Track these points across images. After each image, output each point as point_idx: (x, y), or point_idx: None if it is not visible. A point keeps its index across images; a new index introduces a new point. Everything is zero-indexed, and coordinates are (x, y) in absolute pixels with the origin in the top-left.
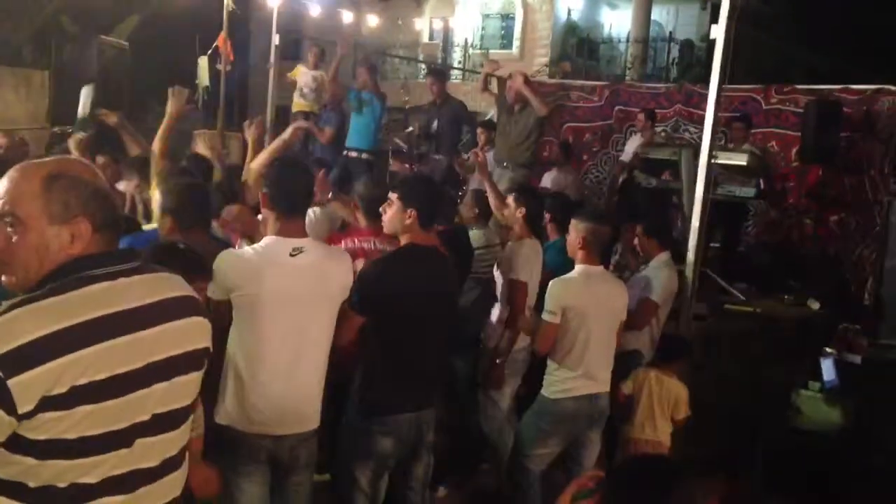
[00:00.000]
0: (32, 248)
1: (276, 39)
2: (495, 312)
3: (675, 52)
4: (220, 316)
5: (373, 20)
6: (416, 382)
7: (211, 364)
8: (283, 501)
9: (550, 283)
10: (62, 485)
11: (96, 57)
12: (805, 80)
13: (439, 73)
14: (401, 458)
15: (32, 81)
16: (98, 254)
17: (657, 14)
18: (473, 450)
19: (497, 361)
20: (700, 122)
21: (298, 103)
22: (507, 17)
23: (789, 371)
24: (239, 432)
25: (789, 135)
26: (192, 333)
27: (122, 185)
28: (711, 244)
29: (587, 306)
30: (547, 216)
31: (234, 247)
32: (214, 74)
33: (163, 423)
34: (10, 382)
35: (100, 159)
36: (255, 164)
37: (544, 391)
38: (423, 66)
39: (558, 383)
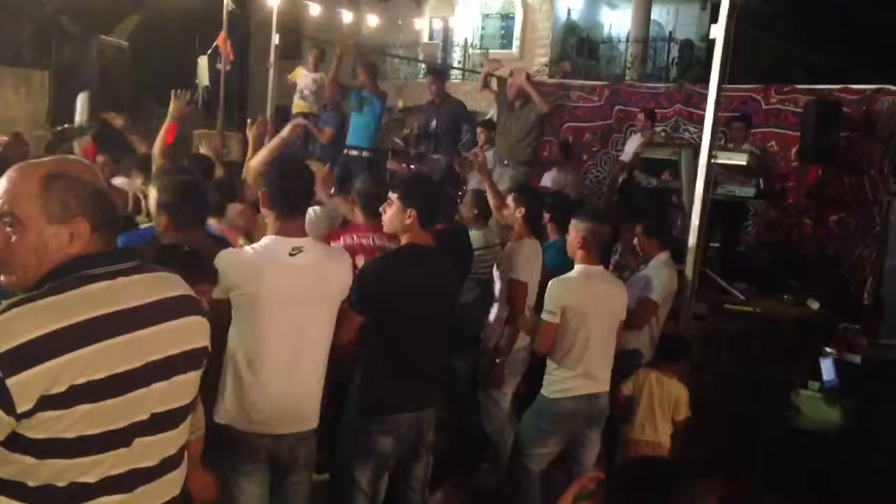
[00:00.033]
0: (31, 248)
1: (275, 39)
2: (494, 312)
3: (674, 52)
4: (220, 315)
5: (373, 20)
6: (416, 382)
7: (210, 363)
8: (282, 501)
9: (550, 282)
10: (61, 484)
11: (96, 57)
12: (805, 80)
13: (438, 72)
14: (401, 457)
15: (32, 81)
16: (97, 253)
17: (657, 14)
18: (473, 450)
19: (497, 361)
20: (700, 121)
21: (298, 104)
22: (506, 17)
23: (789, 371)
24: (238, 431)
25: (789, 134)
26: (191, 333)
27: (118, 181)
28: (711, 244)
29: (587, 306)
30: (547, 216)
31: (231, 245)
32: (214, 74)
33: (162, 422)
34: (10, 382)
35: (100, 158)
36: (255, 161)
37: (544, 391)
38: (423, 65)
39: (558, 383)
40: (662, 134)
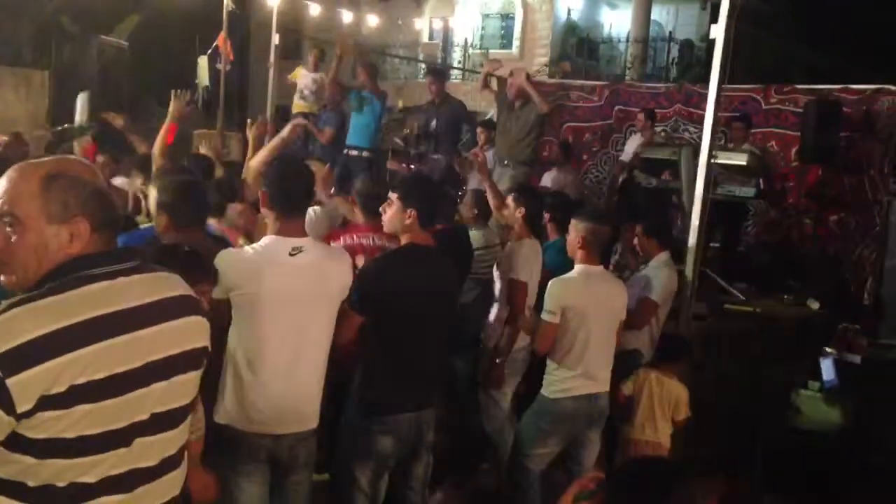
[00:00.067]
0: (31, 248)
1: (275, 39)
2: (494, 312)
3: (674, 52)
4: (220, 315)
5: (373, 20)
6: (416, 382)
7: (210, 363)
8: (282, 501)
9: (550, 282)
10: (61, 484)
11: (96, 57)
12: (805, 80)
13: (438, 72)
14: (401, 457)
15: (32, 81)
16: (97, 253)
17: (657, 14)
18: (473, 449)
19: (497, 361)
20: (700, 121)
21: (298, 105)
22: (506, 17)
23: (789, 371)
24: (238, 431)
25: (789, 134)
26: (191, 333)
27: (118, 181)
28: (711, 244)
29: (587, 306)
30: (546, 216)
31: (231, 245)
32: (214, 74)
33: (162, 422)
34: (9, 382)
35: (100, 158)
36: (255, 161)
37: (544, 391)
38: (423, 65)
39: (558, 383)
40: (662, 134)
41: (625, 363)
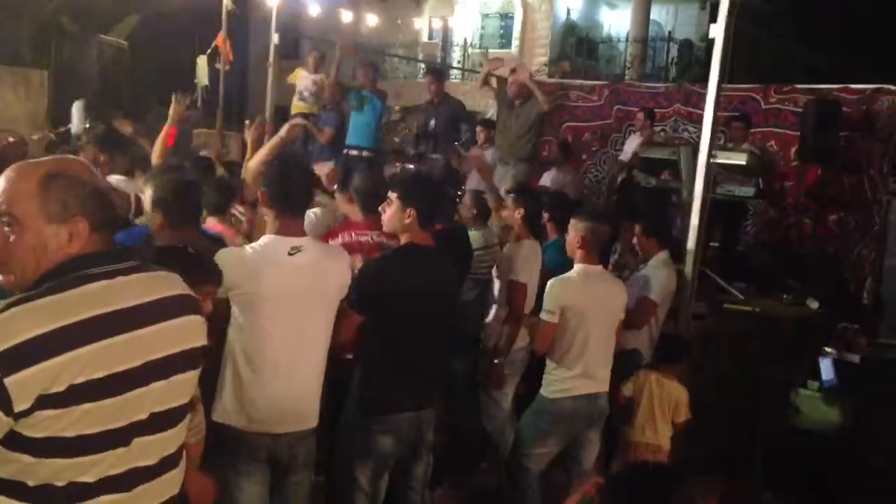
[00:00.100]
0: (30, 248)
1: (275, 39)
2: (493, 313)
3: (674, 52)
4: (220, 314)
5: (372, 19)
6: (416, 382)
7: (211, 363)
8: (282, 501)
9: (549, 282)
10: (61, 483)
11: (96, 56)
12: (805, 80)
13: (437, 72)
14: (401, 457)
15: (32, 81)
16: (96, 253)
17: (656, 13)
18: (472, 449)
19: (496, 362)
20: (699, 121)
21: (297, 105)
22: (506, 17)
23: (788, 370)
24: (237, 430)
25: (788, 134)
26: (190, 332)
27: (113, 179)
28: (710, 243)
29: (586, 306)
30: (546, 215)
31: (227, 245)
32: (213, 74)
33: (161, 421)
34: (7, 381)
35: (101, 157)
36: (254, 161)
37: (543, 390)
38: (423, 65)
39: (557, 383)
40: (662, 133)
41: (624, 363)
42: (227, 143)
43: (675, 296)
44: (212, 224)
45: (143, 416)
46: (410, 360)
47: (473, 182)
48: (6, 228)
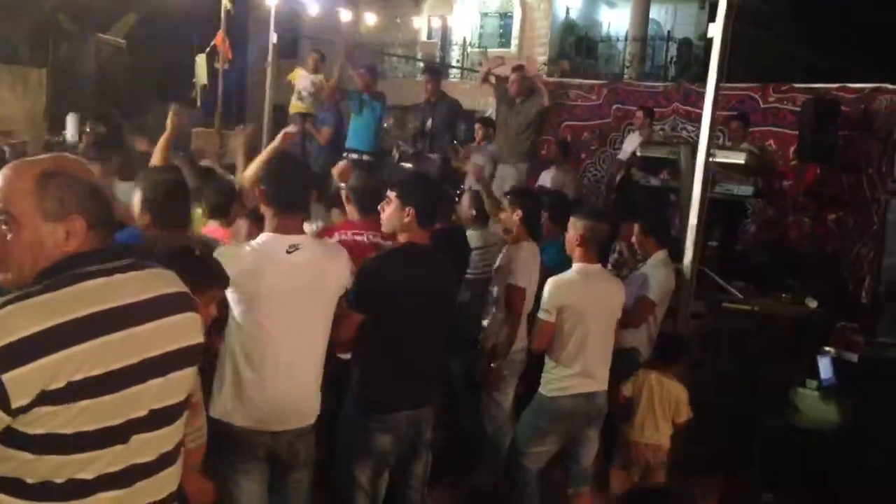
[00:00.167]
0: (27, 246)
1: (273, 38)
2: (491, 314)
3: (673, 51)
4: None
5: (371, 18)
6: (415, 381)
7: (210, 363)
8: (281, 499)
9: (548, 281)
10: (59, 480)
11: (94, 55)
12: (803, 79)
13: (434, 70)
14: (400, 456)
15: (30, 79)
16: (93, 251)
17: (655, 13)
18: (471, 448)
19: (493, 365)
20: (698, 120)
21: (296, 105)
22: (505, 16)
23: (787, 369)
24: (237, 429)
25: (787, 133)
26: (187, 329)
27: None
28: (709, 242)
29: (585, 305)
30: (545, 215)
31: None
32: (212, 73)
33: (159, 418)
34: (5, 377)
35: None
36: (250, 171)
37: (542, 389)
38: (422, 64)
39: (556, 381)
40: (661, 133)
41: (623, 361)
42: (226, 142)
43: (673, 295)
44: (212, 228)
45: (142, 413)
46: (409, 359)
47: (472, 181)
48: (3, 226)
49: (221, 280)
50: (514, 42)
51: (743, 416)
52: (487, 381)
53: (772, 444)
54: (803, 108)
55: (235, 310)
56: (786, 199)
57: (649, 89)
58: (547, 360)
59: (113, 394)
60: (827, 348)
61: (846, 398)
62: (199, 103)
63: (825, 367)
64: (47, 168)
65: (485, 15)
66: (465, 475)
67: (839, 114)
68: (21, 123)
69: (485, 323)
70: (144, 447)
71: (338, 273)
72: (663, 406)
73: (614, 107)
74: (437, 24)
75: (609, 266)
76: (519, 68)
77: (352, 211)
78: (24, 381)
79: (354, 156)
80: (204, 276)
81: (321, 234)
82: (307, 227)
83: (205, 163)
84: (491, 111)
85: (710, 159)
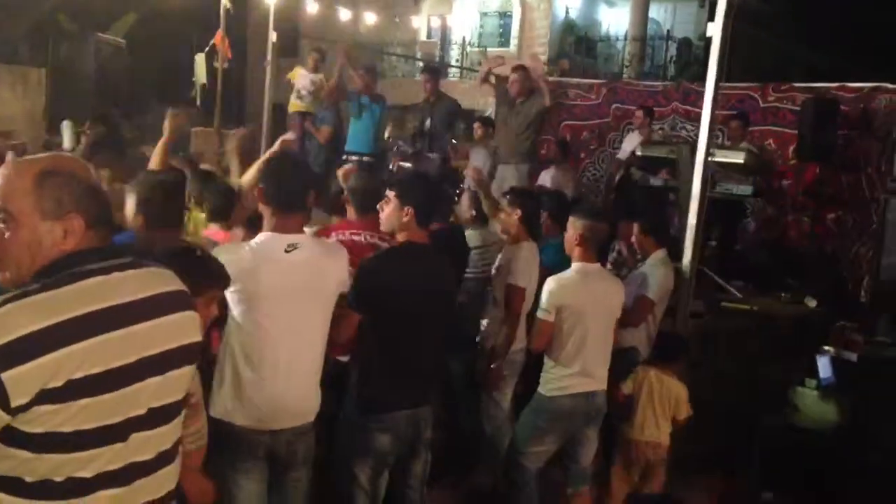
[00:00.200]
0: (24, 244)
1: (273, 37)
2: (490, 314)
3: (672, 51)
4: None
5: (370, 18)
6: (413, 380)
7: (209, 363)
8: (281, 498)
9: (547, 280)
10: (59, 479)
11: (93, 55)
12: (803, 79)
13: (433, 70)
14: (399, 455)
15: (29, 79)
16: (91, 249)
17: (655, 12)
18: (470, 448)
19: (492, 366)
20: (697, 120)
21: (295, 104)
22: (504, 16)
23: (786, 368)
24: (236, 427)
25: (787, 132)
26: (186, 328)
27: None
28: (709, 242)
29: (584, 304)
30: (544, 214)
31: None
32: (212, 72)
33: (157, 417)
34: (4, 376)
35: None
36: (246, 178)
37: (541, 389)
38: (421, 63)
39: (555, 381)
40: (660, 132)
41: (622, 361)
42: (225, 142)
43: (672, 294)
44: (213, 231)
45: (141, 411)
46: (407, 359)
47: (470, 180)
48: (1, 225)
49: (222, 280)
50: (514, 42)
51: (742, 415)
52: (487, 381)
53: (771, 443)
54: (803, 108)
55: (234, 309)
56: (785, 198)
57: (649, 89)
58: (546, 359)
59: (112, 392)
60: (826, 347)
61: (845, 397)
62: (198, 102)
63: (824, 366)
64: (45, 167)
65: (484, 14)
66: (464, 475)
67: (838, 113)
68: (20, 123)
69: (484, 323)
70: (143, 445)
71: (337, 272)
72: (663, 404)
73: (613, 106)
74: (436, 23)
75: (608, 265)
76: (520, 68)
77: (350, 211)
78: (23, 380)
79: (354, 158)
80: (204, 276)
81: (319, 235)
82: (306, 229)
83: (204, 166)
84: (490, 111)
85: (710, 159)
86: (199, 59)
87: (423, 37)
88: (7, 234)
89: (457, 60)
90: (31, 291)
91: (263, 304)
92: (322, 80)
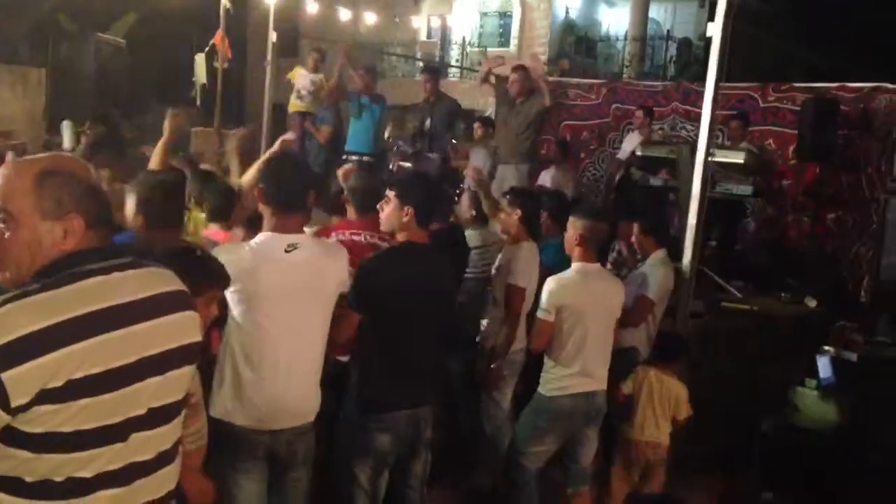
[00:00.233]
0: (24, 244)
1: (272, 37)
2: (491, 314)
3: (672, 51)
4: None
5: (370, 18)
6: (413, 380)
7: (209, 363)
8: (281, 498)
9: (547, 280)
10: (59, 479)
11: (93, 55)
12: (803, 78)
13: (433, 70)
14: (399, 455)
15: (29, 79)
16: (90, 249)
17: (655, 12)
18: (470, 448)
19: (493, 366)
20: (697, 120)
21: (295, 104)
22: (504, 15)
23: (786, 369)
24: (236, 427)
25: (786, 133)
26: (186, 327)
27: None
28: (709, 242)
29: (584, 304)
30: (544, 214)
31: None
32: (212, 72)
33: (157, 417)
34: (4, 376)
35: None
36: (246, 178)
37: (541, 389)
38: (421, 63)
39: (555, 381)
40: (660, 132)
41: (622, 361)
42: (225, 141)
43: (672, 294)
44: (213, 231)
45: (141, 411)
46: (407, 359)
47: (470, 180)
48: (1, 225)
49: (222, 280)
50: (514, 42)
51: (742, 415)
52: (487, 381)
53: (771, 443)
54: (803, 108)
55: (234, 309)
56: (785, 198)
57: (648, 88)
58: (546, 359)
59: (112, 392)
60: (826, 347)
61: (845, 397)
62: (198, 102)
63: (824, 366)
64: (45, 167)
65: (484, 14)
66: (464, 475)
67: (838, 113)
68: (20, 123)
69: (484, 323)
70: (143, 445)
71: (336, 272)
72: (663, 404)
73: (613, 106)
74: (436, 23)
75: (608, 265)
76: (520, 68)
77: (350, 211)
78: (23, 380)
79: (354, 158)
80: (204, 276)
81: (319, 235)
82: (306, 229)
83: (204, 166)
84: (490, 111)
85: (710, 159)
86: (199, 59)
87: (423, 37)
88: (7, 234)
89: (457, 60)
90: (31, 291)
91: (263, 304)
92: (322, 80)
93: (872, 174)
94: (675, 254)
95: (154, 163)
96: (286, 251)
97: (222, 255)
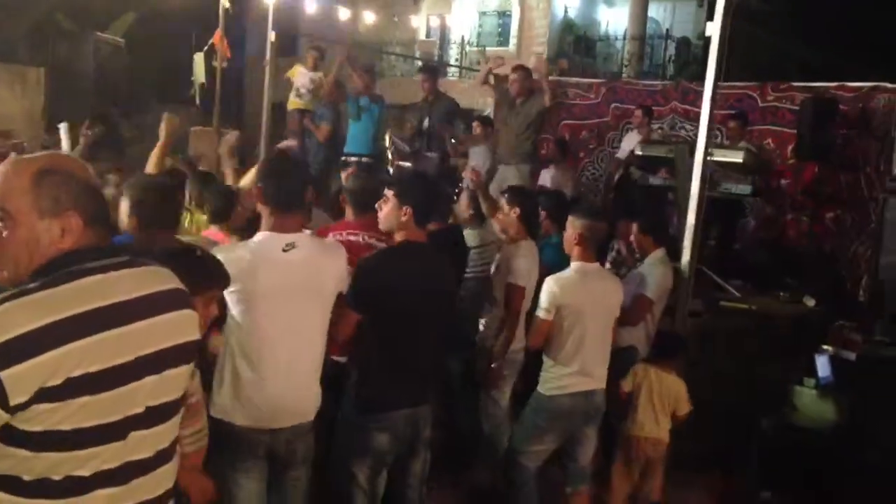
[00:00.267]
0: (22, 243)
1: (271, 36)
2: (490, 313)
3: (671, 50)
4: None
5: (369, 17)
6: (412, 379)
7: (209, 363)
8: (280, 497)
9: (546, 279)
10: (57, 477)
11: (92, 54)
12: (802, 78)
13: (431, 69)
14: (398, 454)
15: (28, 78)
16: (88, 248)
17: (654, 11)
18: (469, 447)
19: (492, 365)
20: (696, 119)
21: (294, 102)
22: (504, 15)
23: (784, 368)
24: (237, 427)
25: (785, 132)
26: (183, 326)
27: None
28: (707, 241)
29: (583, 304)
30: (543, 213)
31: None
32: (211, 72)
33: (155, 415)
34: (3, 375)
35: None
36: (245, 180)
37: (540, 388)
38: (420, 63)
39: (554, 380)
40: (659, 131)
41: (621, 360)
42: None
43: (671, 293)
44: (213, 232)
45: (139, 410)
46: (406, 358)
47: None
48: None
49: (221, 280)
50: (513, 41)
51: (741, 414)
52: (486, 381)
53: (769, 442)
54: (802, 107)
55: (233, 309)
56: (784, 197)
57: (648, 88)
58: (545, 358)
59: (111, 390)
60: (825, 347)
61: (844, 396)
62: (197, 102)
63: (823, 365)
64: (43, 165)
65: (483, 14)
66: (463, 474)
67: (837, 112)
68: (19, 122)
69: (483, 322)
70: (141, 444)
71: (335, 271)
72: (662, 401)
73: (613, 105)
74: (435, 22)
75: (607, 265)
76: (520, 68)
77: (348, 211)
78: (22, 379)
79: (354, 159)
80: (203, 275)
81: (316, 234)
82: (306, 230)
83: (203, 168)
84: (489, 111)
85: (709, 158)
86: (198, 59)
87: (422, 36)
88: (5, 233)
89: (456, 60)
90: (29, 290)
91: (262, 303)
92: (321, 79)
93: (871, 173)
94: (674, 253)
95: (151, 166)
96: (284, 250)
97: (221, 254)
